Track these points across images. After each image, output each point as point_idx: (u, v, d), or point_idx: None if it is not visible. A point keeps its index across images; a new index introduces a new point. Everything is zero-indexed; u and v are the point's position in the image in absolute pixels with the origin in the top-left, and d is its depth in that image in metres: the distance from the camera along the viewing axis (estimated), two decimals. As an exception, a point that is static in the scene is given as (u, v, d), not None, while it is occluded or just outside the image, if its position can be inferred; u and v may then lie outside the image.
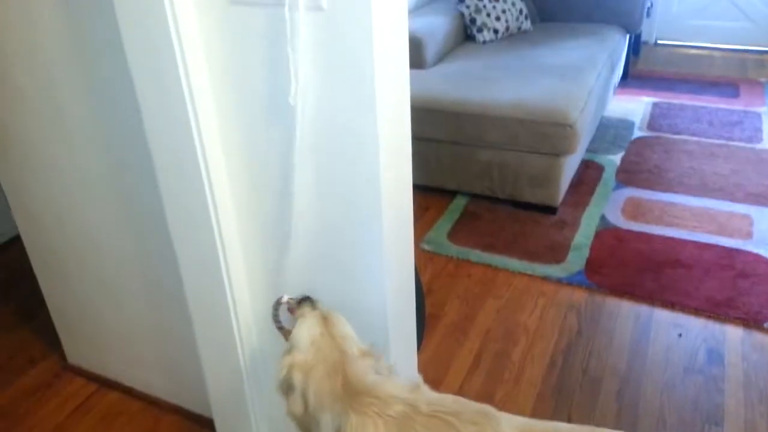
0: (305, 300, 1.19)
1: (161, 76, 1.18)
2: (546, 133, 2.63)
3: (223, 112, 1.23)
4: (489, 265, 2.50)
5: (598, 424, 1.77)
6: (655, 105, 3.94)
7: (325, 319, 1.13)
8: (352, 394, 1.02)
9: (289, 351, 1.11)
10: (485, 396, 1.87)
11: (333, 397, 1.04)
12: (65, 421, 1.85)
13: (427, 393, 1.05)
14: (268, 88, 1.16)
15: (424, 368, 1.96)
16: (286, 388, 1.09)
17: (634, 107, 3.91)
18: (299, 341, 1.11)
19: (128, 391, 1.93)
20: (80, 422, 1.85)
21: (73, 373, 2.02)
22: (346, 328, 1.15)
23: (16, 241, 2.68)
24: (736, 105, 3.89)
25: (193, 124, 1.21)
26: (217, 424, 1.71)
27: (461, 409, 1.00)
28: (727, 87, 4.20)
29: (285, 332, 1.24)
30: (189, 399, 1.83)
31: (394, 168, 1.22)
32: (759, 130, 3.54)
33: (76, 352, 2.02)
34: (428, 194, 2.99)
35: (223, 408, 1.66)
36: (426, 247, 2.63)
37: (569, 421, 1.78)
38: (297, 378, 1.07)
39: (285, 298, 1.25)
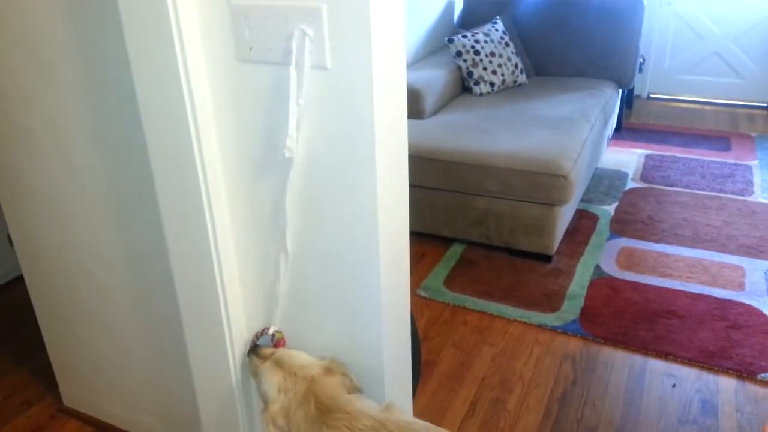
0: (251, 353, 1.27)
1: (172, 130, 1.23)
2: (541, 183, 2.69)
3: (228, 161, 1.29)
4: (485, 313, 2.52)
5: (592, 475, 1.77)
6: (648, 157, 4.03)
7: (278, 363, 1.20)
8: (324, 411, 1.09)
9: (265, 408, 1.18)
10: (480, 444, 1.88)
11: (309, 420, 1.10)
12: (59, 464, 1.85)
13: (398, 414, 1.11)
14: (270, 139, 1.21)
15: (419, 415, 1.97)
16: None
17: (627, 159, 4.00)
18: (268, 394, 1.18)
19: (123, 435, 1.93)
20: (74, 466, 1.84)
21: (68, 415, 2.02)
22: (298, 359, 1.21)
23: (18, 281, 2.71)
24: (727, 158, 3.98)
25: (199, 171, 1.26)
26: (212, 470, 1.70)
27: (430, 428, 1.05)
28: (719, 140, 4.30)
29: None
30: (184, 443, 1.83)
31: (392, 216, 1.26)
32: (750, 182, 3.61)
33: (73, 395, 2.02)
34: (425, 241, 3.03)
35: (218, 453, 1.66)
36: (422, 293, 2.66)
37: (564, 470, 1.78)
38: (280, 425, 1.14)
39: (271, 330, 1.33)
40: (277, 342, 1.35)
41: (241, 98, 1.21)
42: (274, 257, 1.34)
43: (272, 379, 1.17)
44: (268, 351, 1.25)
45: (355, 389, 1.21)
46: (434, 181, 2.91)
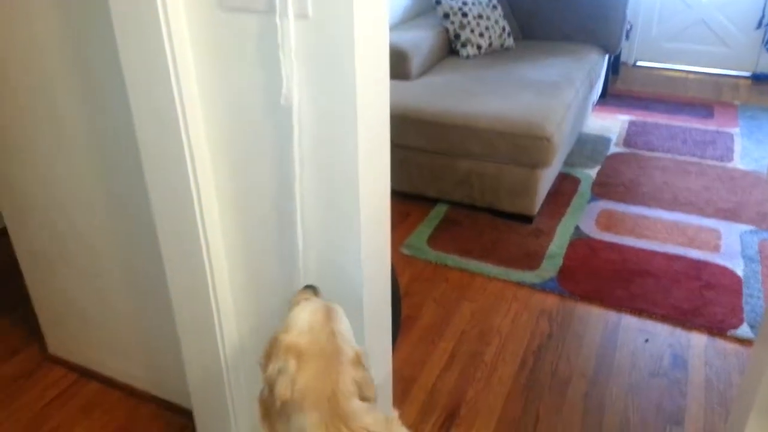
0: (308, 287, 1.19)
1: (152, 80, 1.23)
2: (524, 146, 2.72)
3: (210, 114, 1.29)
4: (466, 270, 2.57)
5: (565, 423, 1.83)
6: (631, 123, 4.06)
7: (328, 310, 1.10)
8: (333, 410, 0.98)
9: (285, 329, 1.07)
10: (458, 393, 1.93)
11: (317, 404, 0.99)
12: (45, 408, 1.88)
13: (398, 429, 1.03)
14: (257, 89, 1.22)
15: (399, 366, 2.02)
16: (276, 372, 1.03)
17: (611, 124, 4.03)
18: (297, 322, 1.07)
19: (108, 381, 1.96)
20: (60, 410, 1.87)
21: (53, 362, 2.05)
22: (345, 324, 1.10)
23: (3, 233, 2.70)
24: (709, 125, 4.03)
25: (181, 124, 1.26)
26: (196, 415, 1.74)
27: None
28: (702, 108, 4.34)
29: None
30: (168, 390, 1.87)
31: (373, 171, 1.28)
32: (731, 149, 3.67)
33: (58, 343, 2.05)
34: (409, 201, 3.06)
35: (202, 399, 1.70)
36: (405, 251, 2.69)
37: (537, 419, 1.85)
38: (291, 364, 1.02)
39: None
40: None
41: (222, 47, 1.21)
42: (258, 212, 1.36)
43: (313, 314, 1.07)
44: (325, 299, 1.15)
45: (372, 390, 1.06)
46: (420, 142, 2.92)
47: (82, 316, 1.91)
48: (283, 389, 1.00)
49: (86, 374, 2.00)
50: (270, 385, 1.03)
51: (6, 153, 1.72)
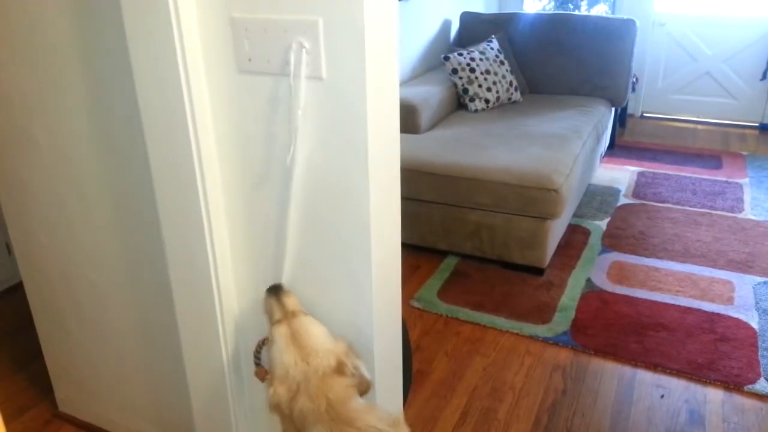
0: (270, 292, 1.23)
1: (172, 136, 1.27)
2: (533, 197, 2.74)
3: (226, 170, 1.33)
4: (477, 324, 2.55)
5: (580, 482, 1.79)
6: (640, 174, 4.09)
7: (294, 337, 1.15)
8: (334, 418, 1.08)
9: (270, 382, 1.16)
10: (470, 452, 1.90)
11: (316, 418, 1.09)
12: (53, 468, 1.86)
13: (404, 428, 1.10)
14: (268, 146, 1.26)
15: (411, 422, 1.99)
16: (276, 410, 1.15)
17: (619, 176, 4.05)
18: (275, 368, 1.15)
19: (117, 439, 1.95)
20: (68, 470, 1.86)
21: (63, 420, 2.04)
22: (316, 339, 1.16)
23: (15, 289, 2.73)
24: (718, 176, 4.04)
25: (198, 178, 1.30)
26: (204, 474, 1.72)
27: None
28: (710, 159, 4.37)
29: (261, 371, 1.32)
30: (177, 448, 1.85)
31: (384, 225, 1.30)
32: (740, 200, 3.67)
33: (68, 399, 2.04)
34: (419, 254, 3.07)
35: (211, 457, 1.68)
36: (416, 304, 2.69)
37: (552, 478, 1.81)
38: (284, 408, 1.12)
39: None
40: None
41: (240, 107, 1.25)
42: (269, 266, 1.38)
43: (283, 356, 1.13)
44: (289, 305, 1.20)
45: (366, 384, 1.18)
46: (429, 194, 2.96)
47: (94, 373, 1.91)
48: (286, 426, 1.14)
49: None
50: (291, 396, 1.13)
51: (24, 206, 1.76)
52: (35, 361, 2.10)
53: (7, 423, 2.04)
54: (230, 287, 1.43)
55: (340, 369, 1.13)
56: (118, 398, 1.90)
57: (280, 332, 1.16)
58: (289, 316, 1.19)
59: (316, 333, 1.18)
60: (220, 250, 1.38)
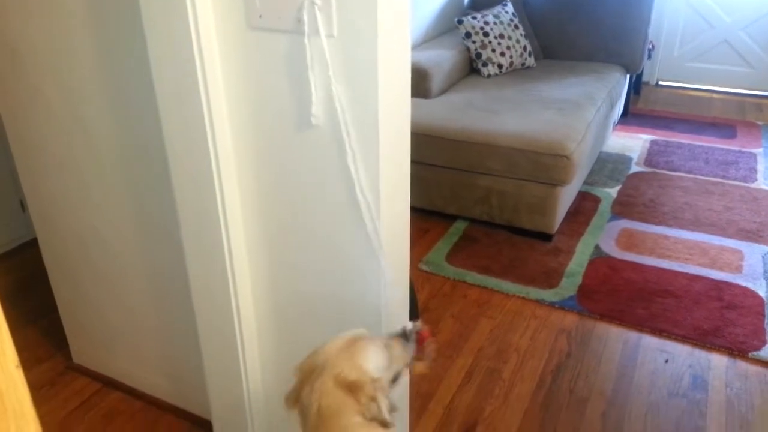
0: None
1: (183, 96, 1.28)
2: (544, 163, 2.73)
3: (238, 130, 1.33)
4: (485, 287, 2.57)
5: (582, 441, 1.82)
6: (653, 142, 4.05)
7: (352, 340, 1.12)
8: (317, 427, 1.04)
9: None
10: (475, 410, 1.94)
11: (305, 419, 1.07)
12: (68, 417, 1.92)
13: None
14: (279, 104, 1.26)
15: (417, 381, 2.03)
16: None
17: (632, 144, 4.02)
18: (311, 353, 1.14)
19: (130, 391, 2.00)
20: (82, 419, 1.91)
21: (77, 372, 2.09)
22: (363, 350, 1.10)
23: (30, 245, 2.78)
24: (732, 145, 4.00)
25: (210, 140, 1.31)
26: (215, 426, 1.77)
27: None
28: (725, 128, 4.31)
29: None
30: (189, 401, 1.90)
31: (394, 186, 1.31)
32: (754, 170, 3.63)
33: (82, 352, 2.09)
34: (429, 218, 3.08)
35: (222, 411, 1.72)
36: (424, 267, 2.71)
37: (554, 436, 1.85)
38: (293, 392, 1.12)
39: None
40: (421, 337, 1.20)
41: (250, 64, 1.25)
42: (279, 220, 1.40)
43: (325, 345, 1.11)
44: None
45: (382, 423, 1.05)
46: (440, 159, 2.95)
47: (107, 326, 1.95)
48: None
49: (109, 384, 2.04)
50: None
51: (38, 163, 1.78)
52: (50, 315, 2.15)
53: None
54: (240, 241, 1.45)
55: (352, 387, 1.05)
56: (131, 351, 1.95)
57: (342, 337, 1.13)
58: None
59: (368, 355, 1.10)
60: (231, 205, 1.39)
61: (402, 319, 1.54)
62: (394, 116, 1.24)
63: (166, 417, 1.92)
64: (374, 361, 1.10)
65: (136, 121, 1.53)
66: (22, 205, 2.79)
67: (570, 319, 2.37)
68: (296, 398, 1.11)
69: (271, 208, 1.39)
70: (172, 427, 1.89)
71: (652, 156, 3.84)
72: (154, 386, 1.97)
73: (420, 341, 1.18)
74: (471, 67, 3.77)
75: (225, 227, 1.40)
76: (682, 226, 3.01)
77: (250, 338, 1.57)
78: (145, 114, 1.49)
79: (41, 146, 1.74)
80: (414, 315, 1.76)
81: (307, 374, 1.09)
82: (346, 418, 1.03)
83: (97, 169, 1.67)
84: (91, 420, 1.91)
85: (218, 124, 1.31)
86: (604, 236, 2.93)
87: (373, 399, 1.03)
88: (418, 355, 1.19)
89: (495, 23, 3.74)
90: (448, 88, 3.48)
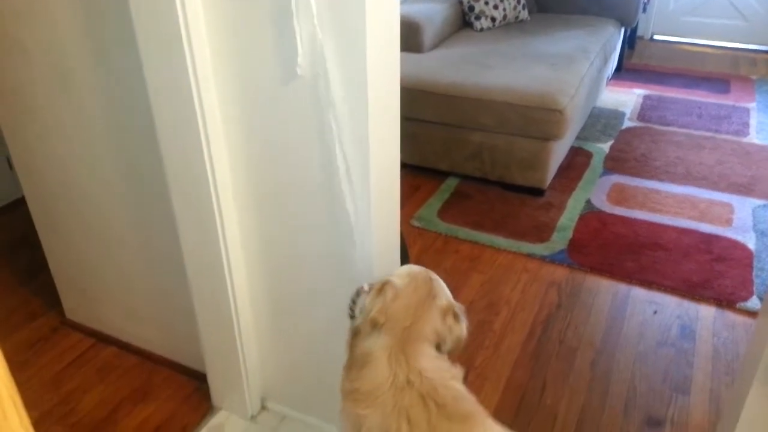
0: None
1: (165, 46, 1.25)
2: (536, 118, 2.71)
3: (223, 79, 1.31)
4: (476, 243, 2.58)
5: (571, 390, 1.86)
6: (646, 97, 4.02)
7: (428, 272, 1.20)
8: (401, 344, 1.08)
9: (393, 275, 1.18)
10: (466, 360, 1.96)
11: (393, 331, 1.09)
12: (62, 371, 1.93)
13: (442, 380, 1.07)
14: (263, 56, 1.23)
15: (408, 334, 2.05)
16: (375, 302, 1.13)
17: (625, 99, 3.99)
18: (401, 270, 1.20)
19: (124, 346, 2.01)
20: (77, 374, 1.93)
21: (70, 328, 2.10)
22: (443, 285, 1.20)
23: (18, 203, 2.76)
24: (726, 100, 3.98)
25: (194, 91, 1.28)
26: (210, 379, 1.79)
27: (450, 403, 1.02)
28: (719, 83, 4.28)
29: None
30: (183, 354, 1.91)
31: (383, 142, 1.29)
32: (746, 124, 3.63)
33: (75, 308, 2.10)
34: (420, 174, 3.06)
35: (216, 363, 1.74)
36: (416, 223, 2.71)
37: (544, 385, 1.88)
38: (389, 295, 1.13)
39: (366, 287, 1.25)
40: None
41: (234, 12, 1.21)
42: (270, 179, 1.38)
43: (413, 267, 1.19)
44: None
45: (457, 342, 1.17)
46: (431, 114, 2.92)
47: (99, 282, 1.95)
48: (377, 313, 1.12)
49: (103, 339, 2.05)
50: (367, 312, 1.14)
51: (21, 120, 1.75)
52: (42, 272, 2.15)
53: (16, 331, 2.11)
54: (228, 195, 1.44)
55: (446, 311, 1.15)
56: (124, 307, 1.95)
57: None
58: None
59: (446, 288, 1.22)
60: (218, 158, 1.38)
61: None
62: (383, 69, 1.22)
63: (161, 371, 1.94)
64: (447, 291, 1.23)
65: (117, 74, 1.49)
66: (9, 164, 2.76)
67: (560, 273, 2.39)
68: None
69: (259, 161, 1.37)
70: (167, 381, 1.90)
71: (645, 111, 3.82)
72: (147, 341, 1.98)
73: None
74: (463, 21, 3.71)
75: (212, 179, 1.39)
76: (673, 181, 3.02)
77: (240, 288, 1.57)
78: (127, 66, 1.46)
79: (23, 102, 1.70)
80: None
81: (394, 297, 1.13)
82: (425, 345, 1.10)
83: (80, 123, 1.64)
84: (85, 374, 1.93)
85: (202, 75, 1.28)
86: (596, 191, 2.93)
87: (457, 319, 1.17)
88: None
89: (488, -25, 3.67)
90: (440, 42, 3.42)
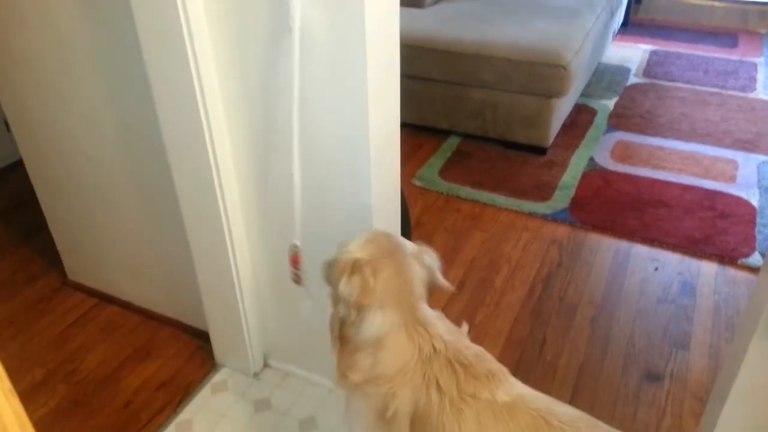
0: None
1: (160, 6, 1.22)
2: (540, 74, 2.66)
3: (218, 32, 1.27)
4: (477, 201, 2.57)
5: (571, 346, 1.87)
6: (652, 53, 3.95)
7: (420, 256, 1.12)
8: (411, 314, 1.04)
9: (344, 252, 1.08)
10: (466, 317, 1.97)
11: (397, 305, 1.04)
12: (66, 331, 1.95)
13: (462, 340, 1.06)
14: (262, 7, 1.20)
15: (409, 292, 2.05)
16: (351, 285, 1.04)
17: (631, 54, 3.92)
18: (353, 243, 1.09)
19: (127, 305, 2.02)
20: (80, 333, 1.94)
21: (72, 288, 2.11)
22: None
23: (16, 165, 2.74)
24: (733, 55, 3.90)
25: (187, 41, 1.25)
26: (213, 337, 1.80)
27: (474, 362, 1.01)
28: (726, 37, 4.19)
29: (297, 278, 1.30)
30: (185, 313, 1.92)
31: (383, 95, 1.26)
32: (754, 79, 3.56)
33: (76, 268, 2.10)
34: (422, 134, 3.03)
35: (217, 321, 1.75)
36: (417, 183, 2.69)
37: (544, 341, 1.89)
38: (367, 272, 1.03)
39: (297, 242, 1.22)
40: (294, 257, 1.32)
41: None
42: (267, 136, 1.36)
43: (367, 233, 1.11)
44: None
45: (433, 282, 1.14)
46: (432, 71, 2.87)
47: (99, 242, 1.95)
48: (362, 297, 1.03)
49: (105, 299, 2.06)
50: (346, 300, 1.04)
51: (15, 79, 1.73)
52: (42, 233, 2.14)
53: (18, 291, 2.12)
54: (226, 149, 1.42)
55: (418, 256, 1.10)
56: (126, 266, 1.96)
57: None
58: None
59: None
60: (213, 110, 1.35)
61: (394, 231, 1.53)
62: (383, 24, 1.19)
63: (164, 330, 1.95)
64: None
65: (113, 35, 1.46)
66: (7, 126, 2.73)
67: (562, 231, 2.38)
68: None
69: (255, 112, 1.35)
70: (170, 339, 1.92)
71: (651, 67, 3.75)
72: (150, 300, 1.99)
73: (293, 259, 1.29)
74: (465, -25, 3.61)
75: (209, 133, 1.37)
76: (677, 137, 2.98)
77: (240, 246, 1.57)
78: (122, 26, 1.42)
79: (19, 63, 1.67)
80: (406, 229, 1.76)
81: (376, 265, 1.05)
82: (425, 307, 1.08)
83: (77, 83, 1.61)
84: (89, 333, 1.94)
85: (195, 27, 1.25)
86: (599, 148, 2.90)
87: (429, 263, 1.12)
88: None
89: (491, -74, 3.55)
90: (442, -3, 3.34)
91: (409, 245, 1.13)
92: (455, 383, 1.00)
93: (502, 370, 1.03)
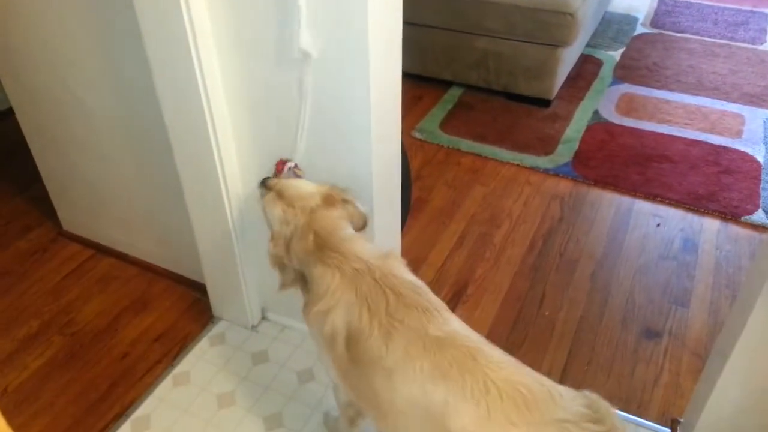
0: (260, 185, 1.26)
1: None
2: (545, 21, 2.57)
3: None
4: (479, 155, 2.52)
5: (570, 301, 1.86)
6: (661, 2, 3.83)
7: (279, 195, 1.19)
8: (321, 247, 1.11)
9: (271, 237, 1.20)
10: (466, 272, 1.96)
11: (306, 253, 1.13)
12: (62, 282, 1.93)
13: (393, 264, 1.09)
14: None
15: (408, 247, 2.04)
16: (275, 263, 1.21)
17: (639, 4, 3.80)
18: (272, 225, 1.20)
19: (123, 257, 2.00)
20: (76, 284, 1.93)
21: (68, 239, 2.09)
22: (298, 189, 1.20)
23: (8, 115, 2.67)
24: (744, 5, 3.78)
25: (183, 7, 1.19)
26: (210, 290, 1.79)
27: (407, 293, 1.03)
28: (738, -14, 4.06)
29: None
30: (182, 265, 1.91)
31: (384, 44, 1.21)
32: (764, 30, 3.46)
33: (71, 220, 2.07)
34: (423, 84, 2.96)
35: (215, 273, 1.73)
36: (417, 135, 2.64)
37: (543, 296, 1.88)
38: (280, 255, 1.17)
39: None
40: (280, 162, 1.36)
41: None
42: (264, 82, 1.31)
43: (273, 211, 1.18)
44: (273, 182, 1.23)
45: (361, 217, 1.21)
46: (434, 18, 2.78)
47: (93, 192, 1.92)
48: (285, 277, 1.22)
49: (102, 250, 2.04)
50: (286, 245, 1.17)
51: (6, 26, 1.66)
52: (36, 184, 2.10)
53: (14, 241, 2.09)
54: (221, 99, 1.37)
55: (327, 201, 1.16)
56: (121, 219, 1.93)
57: (268, 198, 1.20)
58: (273, 187, 1.21)
59: (297, 185, 1.21)
60: (207, 61, 1.30)
61: (393, 190, 1.50)
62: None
63: (161, 282, 1.94)
64: (305, 183, 1.24)
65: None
66: (-4, 72, 2.65)
67: (564, 186, 2.35)
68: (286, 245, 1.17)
69: (250, 61, 1.30)
70: (167, 291, 1.91)
71: (658, 16, 3.64)
72: (146, 252, 1.97)
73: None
74: None
75: (202, 82, 1.31)
76: (684, 90, 2.91)
77: (236, 197, 1.54)
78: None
79: (8, 8, 1.60)
80: (406, 183, 1.72)
81: (287, 241, 1.16)
82: (341, 232, 1.14)
83: (70, 32, 1.54)
84: (85, 284, 1.93)
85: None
86: (604, 101, 2.84)
87: (345, 199, 1.19)
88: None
89: None
90: (445, -60, 3.20)
91: (314, 195, 1.17)
92: (384, 306, 1.02)
93: (438, 307, 1.04)
